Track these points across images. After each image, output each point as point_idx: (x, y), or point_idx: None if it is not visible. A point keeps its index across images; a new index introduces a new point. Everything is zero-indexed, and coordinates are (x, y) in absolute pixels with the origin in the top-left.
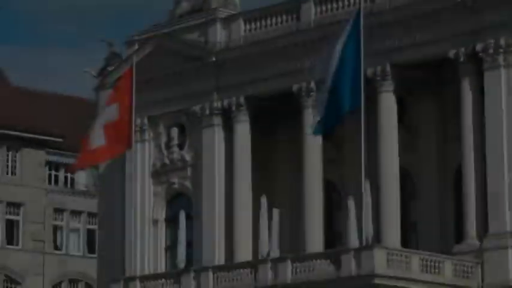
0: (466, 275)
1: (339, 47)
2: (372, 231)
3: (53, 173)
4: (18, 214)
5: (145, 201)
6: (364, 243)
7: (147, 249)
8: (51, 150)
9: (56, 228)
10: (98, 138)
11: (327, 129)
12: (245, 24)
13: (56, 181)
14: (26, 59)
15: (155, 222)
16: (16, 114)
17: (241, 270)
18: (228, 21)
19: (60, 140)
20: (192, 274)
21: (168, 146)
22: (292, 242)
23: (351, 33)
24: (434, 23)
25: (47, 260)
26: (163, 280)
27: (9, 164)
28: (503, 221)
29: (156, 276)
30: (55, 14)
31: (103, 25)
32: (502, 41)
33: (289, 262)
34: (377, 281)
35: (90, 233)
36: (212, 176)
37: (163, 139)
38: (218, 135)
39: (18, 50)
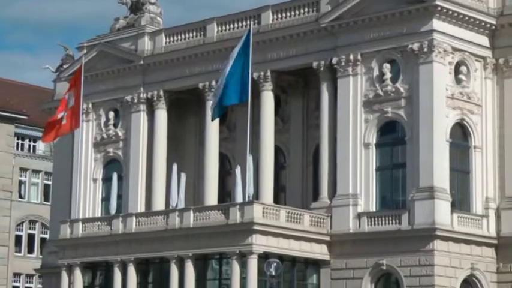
0: (319, 225)
1: (231, 58)
2: (252, 191)
3: (20, 141)
4: None
5: (88, 165)
6: (246, 199)
7: (88, 199)
8: (19, 124)
9: (20, 183)
10: (63, 119)
11: (218, 113)
12: (166, 37)
13: (22, 148)
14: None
15: (94, 180)
16: None
17: (157, 216)
18: (153, 34)
19: (26, 117)
20: (120, 219)
21: (106, 125)
22: (195, 197)
23: (242, 46)
24: (303, 41)
25: (14, 205)
26: (99, 222)
27: None
28: (347, 185)
29: (94, 220)
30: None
31: (54, 35)
32: (351, 57)
33: (191, 212)
34: (255, 227)
35: (46, 187)
36: (137, 147)
37: (103, 120)
38: (143, 118)
39: None
